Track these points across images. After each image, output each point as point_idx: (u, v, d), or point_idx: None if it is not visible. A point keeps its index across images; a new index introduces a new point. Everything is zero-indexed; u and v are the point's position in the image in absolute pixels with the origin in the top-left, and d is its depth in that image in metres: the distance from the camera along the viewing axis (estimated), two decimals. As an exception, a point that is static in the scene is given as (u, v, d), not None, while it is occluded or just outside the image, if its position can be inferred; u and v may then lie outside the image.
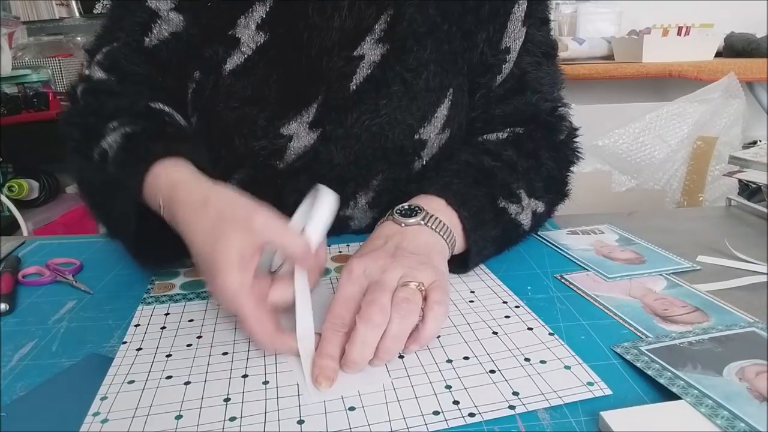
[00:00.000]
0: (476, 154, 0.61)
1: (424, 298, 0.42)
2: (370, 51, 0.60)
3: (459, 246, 0.53)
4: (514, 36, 0.64)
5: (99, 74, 0.62)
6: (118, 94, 0.60)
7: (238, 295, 0.41)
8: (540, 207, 0.61)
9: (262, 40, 0.59)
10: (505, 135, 0.65)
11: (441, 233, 0.50)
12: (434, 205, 0.53)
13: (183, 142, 0.54)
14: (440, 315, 0.42)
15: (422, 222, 0.50)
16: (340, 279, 0.44)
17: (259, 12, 0.59)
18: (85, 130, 0.58)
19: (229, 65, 0.60)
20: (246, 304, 0.41)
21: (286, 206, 0.49)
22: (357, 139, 0.61)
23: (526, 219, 0.59)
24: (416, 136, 0.62)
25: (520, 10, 0.63)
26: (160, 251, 0.54)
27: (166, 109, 0.60)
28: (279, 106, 0.60)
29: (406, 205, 0.52)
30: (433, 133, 0.63)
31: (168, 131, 0.57)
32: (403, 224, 0.50)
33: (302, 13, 0.59)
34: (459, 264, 0.54)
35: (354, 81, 0.60)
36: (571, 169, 0.68)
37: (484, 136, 0.66)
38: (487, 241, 0.55)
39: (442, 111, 0.63)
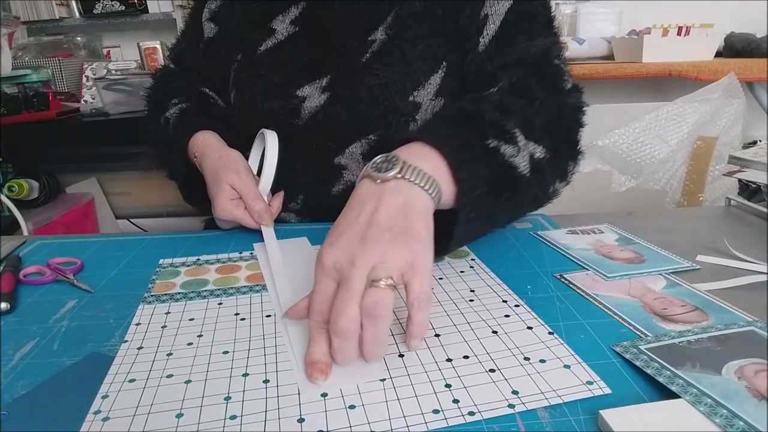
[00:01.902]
0: (461, 102, 0.60)
1: (404, 285, 0.41)
2: (380, 36, 0.71)
3: (447, 194, 0.48)
4: (491, 3, 0.69)
5: (170, 65, 0.89)
6: (180, 79, 0.85)
7: (230, 207, 0.66)
8: (539, 151, 0.56)
9: (293, 31, 0.75)
10: (496, 88, 0.62)
11: (421, 184, 0.46)
12: (413, 150, 0.49)
13: (217, 120, 0.77)
14: (424, 305, 0.41)
15: (399, 175, 0.45)
16: (315, 270, 0.43)
17: (294, 12, 0.75)
18: (155, 102, 0.84)
19: (264, 47, 0.75)
20: (236, 210, 0.67)
21: (304, 156, 0.74)
22: (360, 99, 0.70)
23: (523, 162, 0.54)
24: (411, 98, 0.70)
25: None
26: (201, 195, 0.73)
27: (211, 93, 0.84)
28: (298, 75, 0.73)
29: (380, 157, 0.48)
30: (426, 97, 0.70)
31: (209, 110, 0.80)
32: (378, 180, 0.46)
33: (329, 10, 0.73)
34: (450, 219, 0.50)
35: (364, 57, 0.71)
36: (580, 123, 0.64)
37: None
38: (478, 181, 0.50)
39: (436, 79, 0.70)
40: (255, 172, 0.73)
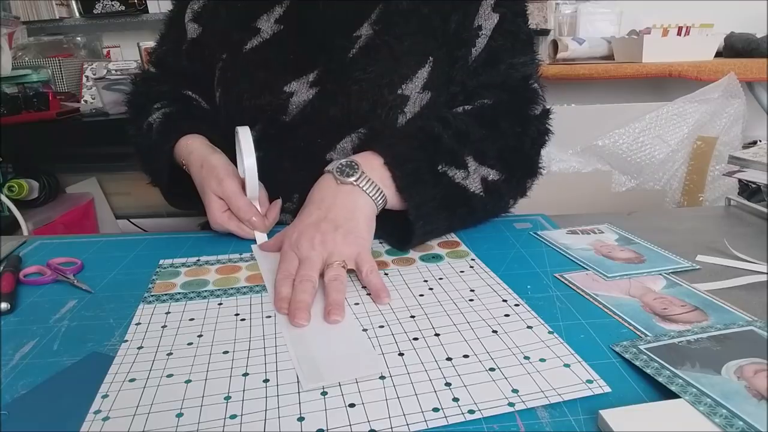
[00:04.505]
0: (431, 120, 0.68)
1: (356, 269, 0.55)
2: (365, 32, 0.72)
3: (394, 203, 0.61)
4: (485, 17, 0.73)
5: (151, 69, 0.87)
6: (162, 83, 0.83)
7: (222, 221, 0.67)
8: (492, 175, 0.66)
9: (278, 29, 0.75)
10: (470, 107, 0.71)
11: (370, 194, 0.59)
12: (374, 163, 0.61)
13: (202, 122, 0.76)
14: (374, 275, 0.53)
15: (355, 183, 0.59)
16: (283, 246, 0.58)
17: (278, 11, 0.75)
18: (138, 107, 0.82)
19: (249, 46, 0.75)
20: (229, 223, 0.67)
21: (292, 152, 0.74)
22: (349, 94, 0.71)
23: (474, 184, 0.64)
24: (399, 92, 0.71)
25: (489, 1, 0.73)
26: (185, 198, 0.75)
27: (194, 95, 0.82)
28: (284, 71, 0.73)
29: (345, 161, 0.61)
30: (414, 91, 0.71)
31: (193, 113, 0.79)
32: (339, 182, 0.60)
33: (313, 8, 0.74)
34: (405, 229, 0.61)
35: (351, 53, 0.72)
36: (542, 145, 0.72)
37: (456, 108, 0.71)
38: (427, 199, 0.61)
39: (423, 73, 0.72)
40: (242, 172, 0.71)
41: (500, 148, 0.67)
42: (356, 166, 0.60)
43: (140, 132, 0.79)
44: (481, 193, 0.65)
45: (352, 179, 0.59)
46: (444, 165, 0.63)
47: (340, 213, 0.58)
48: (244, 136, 0.66)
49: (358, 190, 0.59)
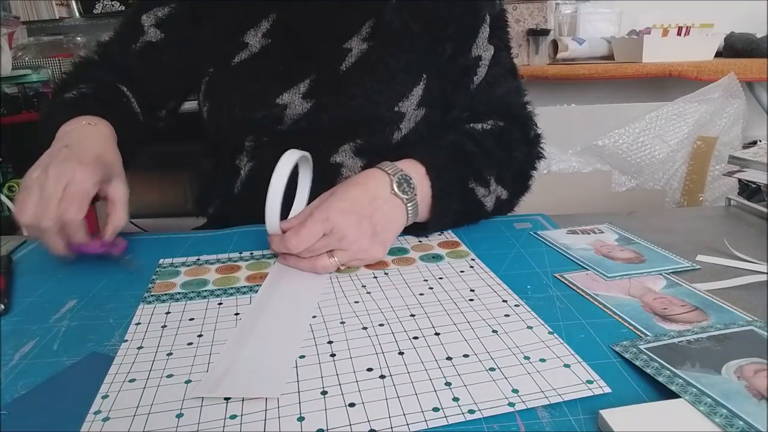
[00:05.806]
0: (462, 136, 0.71)
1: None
2: (357, 46, 0.73)
3: (422, 213, 0.64)
4: (483, 48, 0.76)
5: (95, 57, 0.84)
6: (101, 70, 0.80)
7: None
8: (504, 194, 0.71)
9: (266, 43, 0.74)
10: (489, 126, 0.75)
11: (410, 215, 0.62)
12: (416, 173, 0.63)
13: (115, 113, 0.71)
14: (333, 267, 0.57)
15: (407, 202, 0.61)
16: (316, 210, 0.57)
17: (265, 25, 0.74)
18: (63, 84, 0.78)
19: (237, 59, 0.74)
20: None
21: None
22: (345, 108, 0.72)
23: (489, 202, 0.69)
24: (396, 109, 0.73)
25: (484, 32, 0.76)
26: None
27: (128, 93, 0.78)
28: (275, 82, 0.73)
29: (403, 174, 0.61)
30: (410, 108, 0.74)
31: (110, 102, 0.74)
32: (393, 192, 0.60)
33: (300, 21, 0.74)
34: (419, 226, 0.65)
35: (344, 65, 0.73)
36: (536, 166, 0.78)
37: (471, 125, 0.75)
38: (449, 212, 0.66)
39: (418, 91, 0.74)
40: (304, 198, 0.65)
41: (513, 170, 0.72)
42: (413, 186, 0.61)
43: (52, 102, 0.75)
44: (491, 209, 0.70)
45: (405, 197, 0.61)
46: (473, 181, 0.67)
47: (381, 219, 0.59)
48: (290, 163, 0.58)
49: (404, 209, 0.61)
